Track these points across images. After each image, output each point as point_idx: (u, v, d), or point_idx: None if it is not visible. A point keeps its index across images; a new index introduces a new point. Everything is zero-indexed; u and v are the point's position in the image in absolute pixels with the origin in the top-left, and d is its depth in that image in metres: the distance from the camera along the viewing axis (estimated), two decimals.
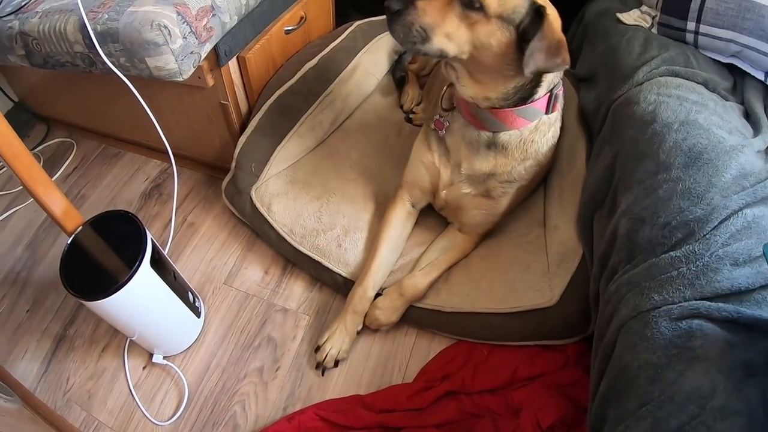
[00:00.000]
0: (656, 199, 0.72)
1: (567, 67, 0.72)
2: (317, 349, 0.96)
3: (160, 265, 0.85)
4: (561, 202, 1.01)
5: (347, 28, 1.27)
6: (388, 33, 1.35)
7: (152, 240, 0.85)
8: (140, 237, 0.83)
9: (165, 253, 0.89)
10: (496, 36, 0.72)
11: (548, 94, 0.82)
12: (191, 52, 0.93)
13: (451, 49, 0.74)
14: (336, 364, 0.96)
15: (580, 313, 0.88)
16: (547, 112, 0.84)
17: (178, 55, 0.91)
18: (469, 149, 0.89)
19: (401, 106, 1.28)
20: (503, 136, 0.85)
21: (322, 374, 0.96)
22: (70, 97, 1.38)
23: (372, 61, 1.23)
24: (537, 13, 0.70)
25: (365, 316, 0.96)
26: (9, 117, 1.55)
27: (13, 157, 0.80)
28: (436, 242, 1.02)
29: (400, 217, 1.01)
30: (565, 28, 1.25)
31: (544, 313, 0.91)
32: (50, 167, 1.45)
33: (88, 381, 1.04)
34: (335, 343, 0.95)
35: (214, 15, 0.95)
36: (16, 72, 1.39)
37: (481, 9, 0.69)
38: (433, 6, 0.71)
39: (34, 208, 1.33)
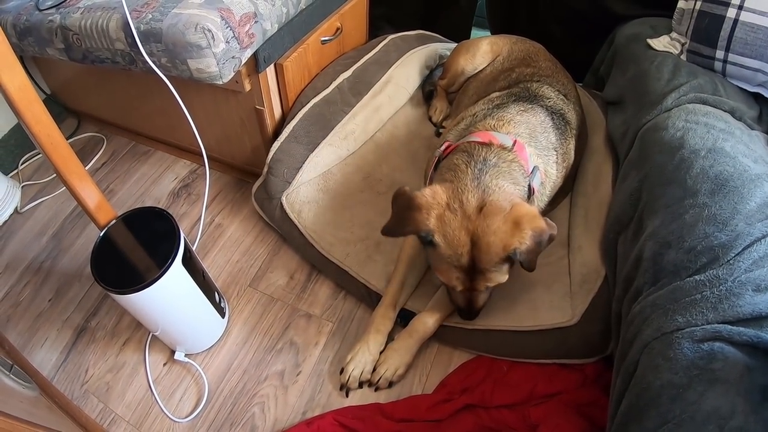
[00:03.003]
0: (682, 223, 0.73)
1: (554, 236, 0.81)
2: (341, 371, 0.97)
3: (190, 263, 0.87)
4: (586, 224, 1.01)
5: (381, 41, 1.28)
6: (420, 47, 1.34)
7: (185, 239, 0.86)
8: (173, 234, 0.84)
9: (185, 237, 0.90)
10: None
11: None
12: (232, 57, 0.91)
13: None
14: (360, 385, 0.96)
15: (601, 333, 0.88)
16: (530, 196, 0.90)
17: (220, 59, 0.89)
18: None
19: (430, 118, 1.30)
20: None
21: (347, 395, 0.96)
22: (102, 92, 1.40)
23: (404, 75, 1.22)
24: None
25: (379, 362, 0.97)
26: None
27: (52, 147, 0.80)
28: None
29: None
30: (596, 50, 1.24)
31: (565, 333, 0.90)
32: (80, 161, 1.40)
33: (107, 373, 1.04)
34: (358, 364, 0.96)
35: (256, 22, 0.93)
36: (49, 65, 1.43)
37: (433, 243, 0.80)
38: (481, 299, 0.91)
39: (62, 199, 1.33)
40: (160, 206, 1.30)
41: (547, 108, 0.97)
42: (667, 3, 1.10)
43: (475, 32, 1.55)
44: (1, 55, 0.70)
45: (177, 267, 0.83)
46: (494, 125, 0.92)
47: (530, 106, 0.95)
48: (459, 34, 1.51)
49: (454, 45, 1.43)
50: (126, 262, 0.84)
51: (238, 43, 0.96)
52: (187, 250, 0.86)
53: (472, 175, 0.82)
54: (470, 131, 0.93)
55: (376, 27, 1.44)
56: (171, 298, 0.87)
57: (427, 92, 1.32)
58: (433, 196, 0.81)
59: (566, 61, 1.18)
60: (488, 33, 1.58)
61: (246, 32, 0.96)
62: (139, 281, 0.79)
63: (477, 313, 0.91)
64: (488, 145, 0.86)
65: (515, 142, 0.87)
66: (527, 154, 0.88)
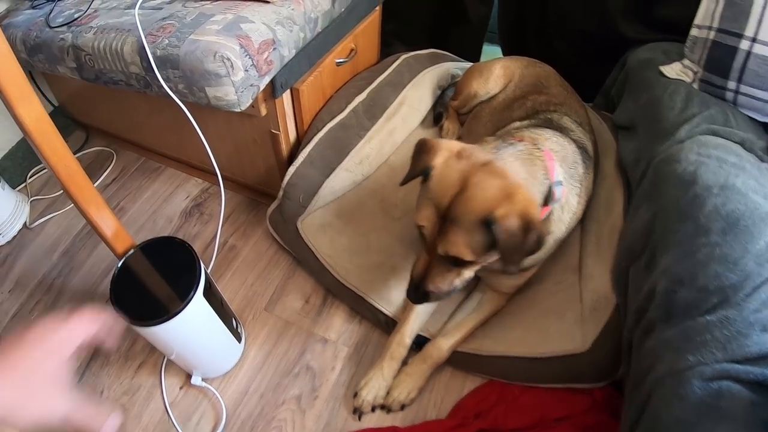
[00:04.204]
0: (695, 262, 0.74)
1: (548, 237, 0.80)
2: (355, 394, 0.98)
3: (210, 293, 0.88)
4: (597, 251, 1.01)
5: (394, 61, 1.29)
6: (432, 67, 1.31)
7: (205, 271, 0.87)
8: (193, 266, 0.84)
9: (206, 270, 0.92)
10: (487, 260, 0.79)
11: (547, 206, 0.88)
12: (251, 85, 0.90)
13: (468, 278, 0.84)
14: (373, 409, 0.97)
15: (611, 359, 0.89)
16: (547, 203, 0.87)
17: (239, 87, 0.87)
18: None
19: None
20: None
21: (359, 419, 0.97)
22: (112, 106, 1.39)
23: (417, 96, 1.21)
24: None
25: (392, 386, 0.98)
26: None
27: (69, 178, 0.79)
28: (466, 301, 1.04)
29: None
30: (606, 71, 1.22)
31: (576, 359, 0.91)
32: (89, 176, 1.35)
33: (122, 396, 1.04)
34: (372, 389, 0.97)
35: (274, 48, 0.91)
36: (58, 77, 1.39)
37: (466, 263, 0.77)
38: (438, 279, 0.81)
39: (71, 215, 1.34)
40: (172, 226, 1.29)
41: (574, 141, 0.97)
42: (678, 28, 1.09)
43: (485, 48, 1.51)
44: (17, 87, 0.68)
45: (198, 299, 0.83)
46: (529, 136, 0.92)
47: (561, 135, 0.95)
48: (470, 51, 1.51)
49: (466, 64, 1.42)
50: (146, 293, 0.84)
51: (257, 71, 0.93)
52: (207, 280, 0.86)
53: (495, 147, 0.83)
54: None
55: (386, 43, 1.43)
56: (191, 329, 0.88)
57: (437, 114, 1.30)
58: (448, 143, 0.81)
59: (575, 81, 1.18)
60: (499, 48, 1.57)
61: (265, 60, 0.94)
62: (159, 312, 0.79)
63: (424, 296, 0.83)
64: (519, 140, 0.87)
65: (546, 150, 0.87)
66: (555, 165, 0.87)
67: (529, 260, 0.91)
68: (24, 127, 0.70)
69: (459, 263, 0.78)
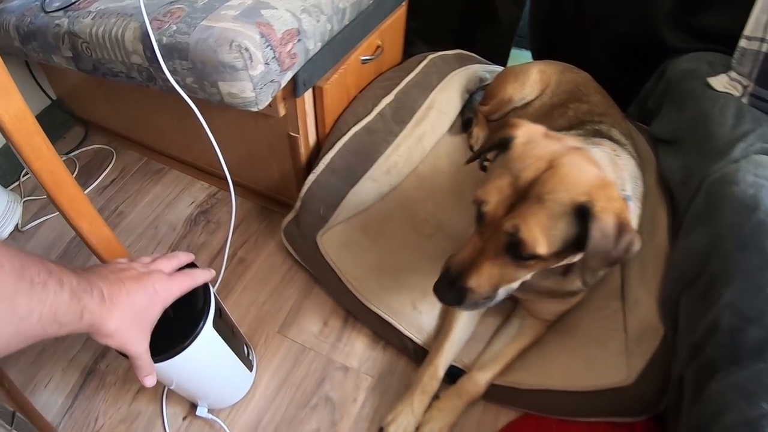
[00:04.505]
0: (763, 297, 0.66)
1: (637, 250, 0.62)
2: (380, 430, 0.86)
3: (220, 323, 0.74)
4: (642, 275, 0.92)
5: (420, 62, 1.19)
6: (460, 69, 1.17)
7: (215, 296, 0.73)
8: (202, 294, 0.70)
9: (214, 291, 0.78)
10: (555, 262, 0.65)
11: None
12: (271, 81, 0.76)
13: (517, 285, 0.69)
14: None
15: (656, 392, 0.81)
16: None
17: (257, 82, 0.73)
18: (538, 273, 0.78)
19: (471, 148, 1.18)
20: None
21: None
22: (113, 101, 1.26)
23: (446, 100, 1.11)
24: (585, 215, 0.59)
25: (422, 422, 0.86)
26: (45, 116, 1.35)
27: (57, 187, 0.66)
28: (503, 329, 0.93)
29: None
30: (641, 79, 1.10)
31: (619, 393, 0.83)
32: (86, 176, 1.25)
33: (120, 424, 0.91)
34: (400, 425, 0.85)
35: (299, 40, 0.77)
36: (57, 69, 1.27)
37: (529, 259, 0.62)
38: (486, 277, 0.64)
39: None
40: (175, 234, 1.14)
41: (631, 155, 0.88)
42: (723, 38, 1.01)
43: (513, 52, 1.38)
44: None
45: (207, 331, 0.70)
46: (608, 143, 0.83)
47: (621, 148, 0.86)
48: (497, 54, 1.40)
49: (494, 67, 1.30)
50: None
51: (279, 65, 0.79)
52: (217, 307, 0.73)
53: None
54: None
55: (409, 42, 1.31)
56: (198, 363, 0.74)
57: (466, 119, 1.17)
58: (533, 124, 0.68)
59: (608, 89, 1.10)
60: (525, 52, 1.47)
61: (288, 52, 0.80)
62: (163, 346, 0.66)
63: (458, 295, 0.65)
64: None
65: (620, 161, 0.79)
66: (627, 178, 0.78)
67: (580, 284, 0.78)
68: (1, 125, 0.58)
69: (521, 256, 0.61)
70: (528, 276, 0.67)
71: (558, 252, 0.60)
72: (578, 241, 0.59)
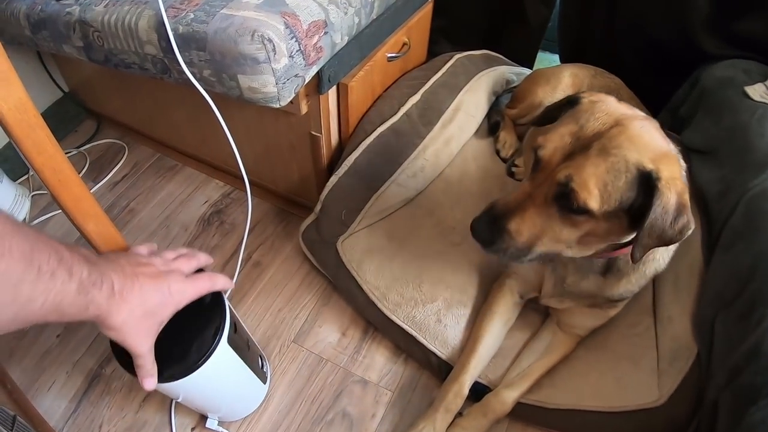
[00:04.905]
0: None
1: (689, 233, 0.57)
2: None
3: (235, 338, 0.67)
4: (676, 291, 0.85)
5: (447, 61, 1.13)
6: (487, 70, 1.08)
7: (230, 309, 0.66)
8: (217, 305, 0.63)
9: (227, 296, 0.74)
10: (603, 228, 0.58)
11: None
12: (295, 75, 0.67)
13: (557, 248, 0.62)
14: None
15: (687, 415, 0.75)
16: None
17: (280, 77, 0.64)
18: (575, 270, 0.74)
19: (498, 152, 1.09)
20: (621, 260, 0.70)
21: None
22: (126, 95, 1.18)
23: (473, 102, 1.04)
24: (648, 185, 0.54)
25: None
26: (56, 108, 1.26)
27: (60, 185, 0.57)
28: (531, 344, 0.86)
29: (506, 308, 0.84)
30: (673, 87, 1.02)
31: (650, 414, 0.76)
32: (97, 171, 1.17)
33: None
34: None
35: (326, 33, 0.68)
36: (69, 60, 1.20)
37: (585, 212, 0.56)
38: (528, 223, 0.59)
39: None
40: (187, 234, 1.05)
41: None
42: (762, 46, 0.96)
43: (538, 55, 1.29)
44: None
45: (222, 349, 0.62)
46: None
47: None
48: (524, 56, 1.32)
49: (521, 69, 1.22)
50: (156, 339, 0.57)
51: (304, 59, 0.70)
52: (232, 321, 0.66)
53: None
54: None
55: (432, 41, 1.21)
56: (211, 380, 0.66)
57: (493, 123, 1.07)
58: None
59: (638, 95, 1.03)
60: (550, 55, 1.40)
61: (314, 45, 0.71)
62: (175, 365, 0.58)
63: (494, 235, 0.59)
64: None
65: None
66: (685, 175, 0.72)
67: (621, 289, 0.73)
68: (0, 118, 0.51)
69: (570, 208, 0.55)
70: (572, 238, 0.58)
71: (609, 214, 0.55)
72: (632, 213, 0.55)
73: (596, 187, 0.53)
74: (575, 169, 0.54)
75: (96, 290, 0.45)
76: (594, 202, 0.53)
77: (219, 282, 0.61)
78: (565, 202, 0.55)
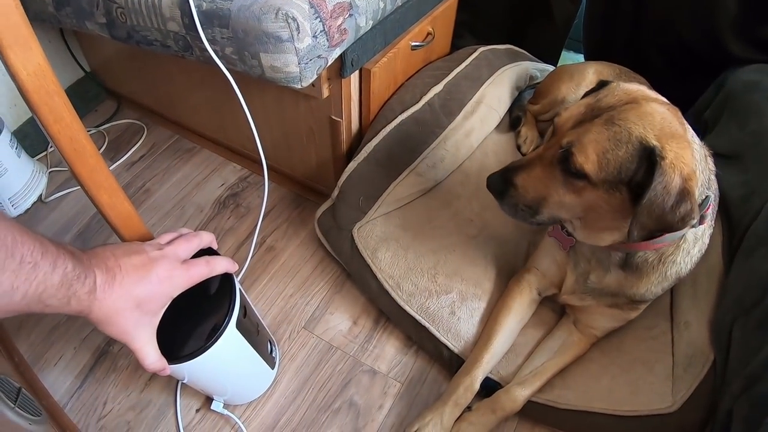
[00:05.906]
0: None
1: (694, 222, 0.56)
2: None
3: (244, 323, 0.64)
4: (694, 296, 0.82)
5: (471, 53, 1.11)
6: (511, 65, 1.05)
7: (242, 293, 0.64)
8: (227, 288, 0.60)
9: (239, 280, 0.65)
10: (604, 199, 0.59)
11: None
12: (318, 56, 0.65)
13: (563, 214, 0.64)
14: None
15: (700, 422, 0.73)
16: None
17: (303, 56, 0.62)
18: (598, 264, 0.73)
19: (518, 148, 1.05)
20: (638, 257, 0.68)
21: None
22: (146, 76, 1.17)
23: (496, 96, 1.01)
24: (651, 161, 0.54)
25: None
26: (78, 87, 1.25)
27: (76, 154, 0.56)
28: (546, 342, 0.83)
29: (523, 304, 0.82)
30: (698, 90, 0.98)
31: (661, 420, 0.74)
32: (115, 150, 1.16)
33: (128, 411, 0.83)
34: None
35: (350, 15, 0.66)
36: (92, 39, 1.20)
37: (583, 177, 0.58)
38: (534, 181, 0.62)
39: None
40: (203, 216, 1.04)
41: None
42: None
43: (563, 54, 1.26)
44: (11, 27, 0.46)
45: (230, 332, 0.60)
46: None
47: None
48: (548, 52, 1.29)
49: (545, 66, 1.19)
50: (165, 319, 0.56)
51: (328, 40, 0.68)
52: (242, 306, 0.64)
53: None
54: None
55: (456, 35, 1.18)
56: (217, 363, 0.64)
57: (514, 118, 1.04)
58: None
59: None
60: (576, 54, 1.37)
61: (338, 26, 0.69)
62: (180, 347, 0.57)
63: (503, 185, 0.63)
64: None
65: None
66: (714, 178, 0.68)
67: (642, 289, 0.71)
68: (18, 82, 0.49)
69: (569, 170, 0.58)
70: (575, 204, 0.60)
71: (609, 185, 0.56)
72: (634, 191, 0.55)
73: (594, 153, 0.55)
74: (579, 135, 0.57)
75: (78, 284, 0.44)
76: (590, 166, 0.56)
77: (219, 266, 0.58)
78: (566, 165, 0.58)
